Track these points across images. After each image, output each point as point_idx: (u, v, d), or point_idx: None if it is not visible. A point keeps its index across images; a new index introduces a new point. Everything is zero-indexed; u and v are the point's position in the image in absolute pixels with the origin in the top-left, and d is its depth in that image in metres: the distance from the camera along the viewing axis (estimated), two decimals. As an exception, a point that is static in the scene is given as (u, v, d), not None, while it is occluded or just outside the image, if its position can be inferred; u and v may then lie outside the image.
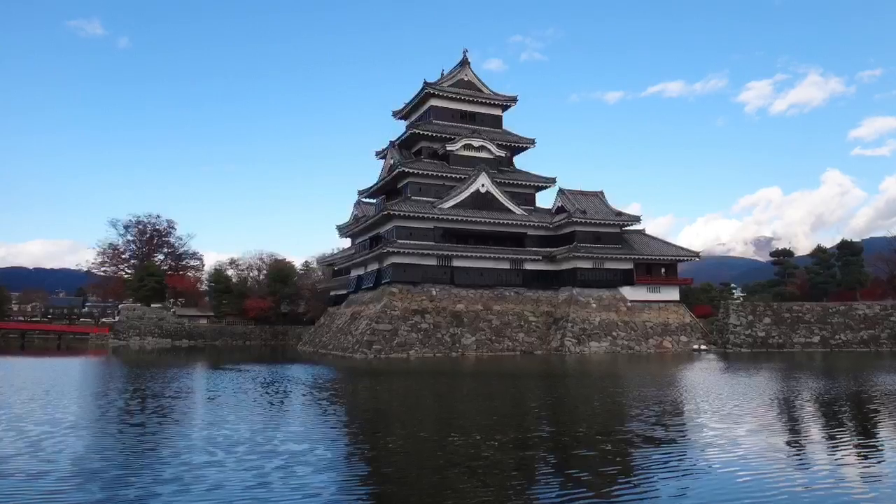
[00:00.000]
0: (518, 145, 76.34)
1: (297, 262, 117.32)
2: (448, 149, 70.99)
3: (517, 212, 70.01)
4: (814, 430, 18.45)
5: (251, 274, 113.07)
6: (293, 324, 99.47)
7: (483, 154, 72.66)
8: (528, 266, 69.05)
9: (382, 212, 65.09)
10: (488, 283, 66.87)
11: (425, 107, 74.79)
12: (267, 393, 27.97)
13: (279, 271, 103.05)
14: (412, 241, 64.40)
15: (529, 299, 68.02)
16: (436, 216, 65.23)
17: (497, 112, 77.16)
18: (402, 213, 64.12)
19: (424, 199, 67.71)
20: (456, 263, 65.74)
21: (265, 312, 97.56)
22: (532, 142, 76.30)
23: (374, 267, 69.85)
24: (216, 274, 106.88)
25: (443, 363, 49.84)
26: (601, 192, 73.06)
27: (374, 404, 25.27)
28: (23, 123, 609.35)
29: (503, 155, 74.36)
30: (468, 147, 72.08)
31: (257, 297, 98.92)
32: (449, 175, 69.35)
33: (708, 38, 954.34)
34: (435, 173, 68.98)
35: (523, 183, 73.92)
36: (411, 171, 67.98)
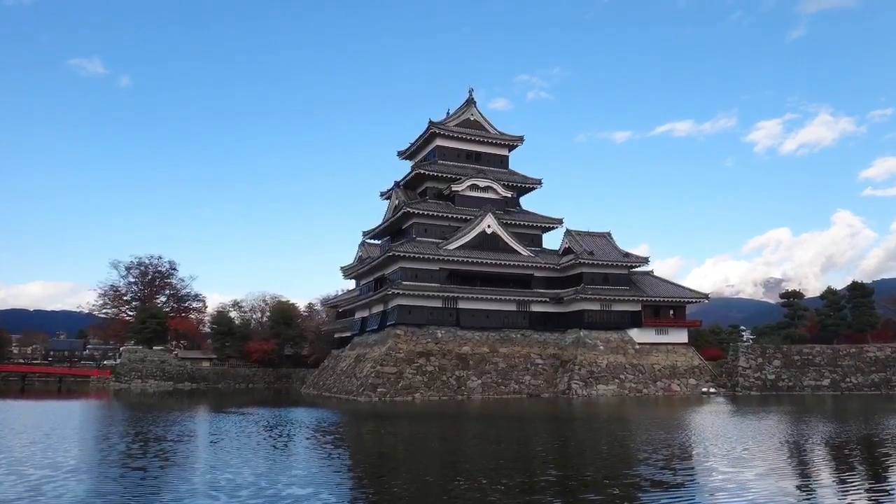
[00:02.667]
0: (524, 186, 76.54)
1: (301, 304, 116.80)
2: (454, 189, 71.29)
3: (524, 253, 69.81)
4: (824, 474, 18.13)
5: (254, 316, 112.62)
6: (297, 366, 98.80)
7: (489, 195, 72.79)
8: (535, 308, 68.70)
9: (387, 253, 65.13)
10: (494, 325, 66.45)
11: (431, 146, 75.47)
12: (270, 436, 27.69)
13: (282, 313, 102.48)
14: (417, 283, 64.24)
15: (536, 341, 67.54)
16: (441, 257, 65.05)
17: (503, 152, 77.57)
18: (407, 255, 64.11)
19: (430, 240, 67.69)
20: (462, 305, 65.47)
21: (268, 355, 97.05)
22: (539, 182, 76.56)
23: (378, 309, 69.61)
24: (219, 316, 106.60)
25: (448, 406, 49.31)
26: (609, 233, 73.17)
27: (379, 448, 24.98)
28: (23, 164, 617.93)
29: (509, 195, 74.34)
30: (474, 187, 72.33)
31: (260, 340, 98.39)
32: (454, 216, 69.52)
33: (717, 77, 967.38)
34: (440, 214, 69.16)
35: (530, 224, 73.94)
36: (416, 211, 68.25)
